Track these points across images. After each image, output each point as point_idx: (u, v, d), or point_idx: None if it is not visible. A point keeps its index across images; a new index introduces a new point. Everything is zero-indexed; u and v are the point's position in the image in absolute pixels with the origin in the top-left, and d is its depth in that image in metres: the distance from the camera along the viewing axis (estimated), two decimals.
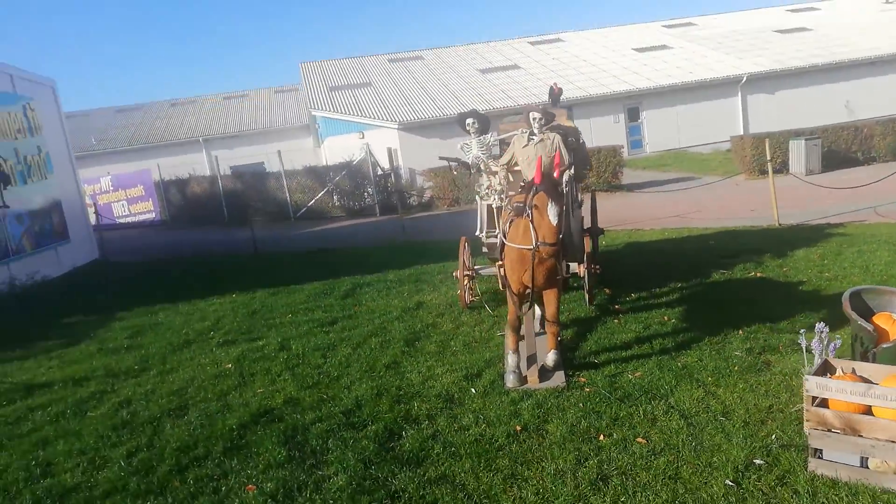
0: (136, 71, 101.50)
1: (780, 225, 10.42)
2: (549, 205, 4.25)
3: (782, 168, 18.56)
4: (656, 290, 7.22)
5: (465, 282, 7.06)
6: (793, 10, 35.73)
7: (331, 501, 3.53)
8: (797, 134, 18.24)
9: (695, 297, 6.85)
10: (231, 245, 14.47)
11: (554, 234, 4.28)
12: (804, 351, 3.86)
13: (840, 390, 3.30)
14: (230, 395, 5.13)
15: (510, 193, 6.67)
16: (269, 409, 4.76)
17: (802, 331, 3.90)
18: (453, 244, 11.53)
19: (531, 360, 5.16)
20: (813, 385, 3.39)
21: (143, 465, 4.06)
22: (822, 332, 3.76)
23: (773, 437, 3.82)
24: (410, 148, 24.85)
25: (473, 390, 4.86)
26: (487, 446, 4.00)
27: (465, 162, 7.26)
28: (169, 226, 21.28)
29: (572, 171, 6.68)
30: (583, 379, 4.89)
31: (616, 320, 6.25)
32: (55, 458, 4.26)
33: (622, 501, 3.33)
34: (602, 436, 4.02)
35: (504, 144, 7.26)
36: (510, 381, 4.89)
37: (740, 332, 5.58)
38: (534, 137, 6.58)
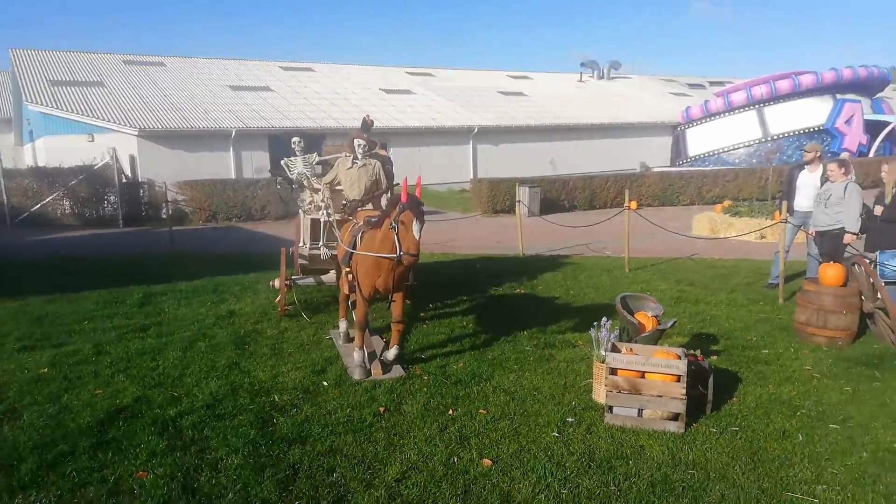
0: None
1: (524, 255, 12.50)
2: (414, 222, 5.02)
3: (510, 209, 21.74)
4: (448, 301, 8.36)
5: (284, 291, 7.38)
6: (512, 77, 41.60)
7: (234, 477, 3.80)
8: (521, 182, 21.56)
9: (480, 307, 8.13)
10: None
11: (417, 247, 5.04)
12: (594, 338, 5.21)
13: (629, 361, 4.63)
14: (64, 397, 4.85)
15: (330, 210, 7.28)
16: (121, 408, 4.67)
17: (595, 323, 5.25)
18: (238, 257, 11.56)
19: (371, 356, 5.81)
20: (611, 359, 4.68)
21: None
22: (606, 324, 5.14)
23: (574, 403, 5.05)
24: (151, 157, 23.29)
25: (325, 383, 5.36)
26: (360, 424, 4.58)
27: (289, 177, 7.64)
28: None
29: (390, 194, 7.57)
30: (418, 370, 5.70)
31: (425, 325, 7.20)
32: None
33: (486, 452, 4.21)
34: (451, 410, 4.87)
35: (326, 165, 7.83)
36: (357, 373, 5.49)
37: (524, 332, 6.92)
38: (357, 161, 7.32)
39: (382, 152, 8.04)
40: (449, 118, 31.24)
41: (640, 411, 4.66)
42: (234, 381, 5.32)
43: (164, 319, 7.15)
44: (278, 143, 28.73)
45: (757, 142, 32.53)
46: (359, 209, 7.30)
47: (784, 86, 31.95)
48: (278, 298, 7.44)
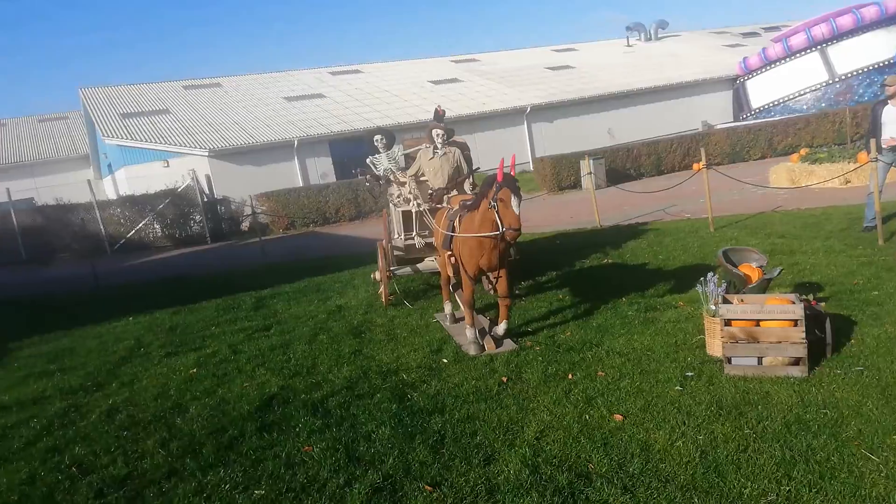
0: None
1: (601, 226, 12.54)
2: (513, 198, 5.25)
3: (575, 184, 21.68)
4: (539, 278, 8.55)
5: (387, 282, 7.75)
6: (556, 51, 41.15)
7: (389, 445, 4.13)
8: (584, 155, 21.44)
9: (571, 280, 8.29)
10: (59, 284, 13.26)
11: (518, 221, 5.27)
12: (701, 294, 5.32)
13: (743, 311, 4.74)
14: (218, 391, 5.34)
15: (419, 201, 7.60)
16: (271, 396, 5.11)
17: (701, 279, 5.35)
18: (326, 261, 12.08)
19: (482, 332, 6.09)
20: (724, 311, 4.79)
21: (184, 450, 4.25)
22: (712, 278, 5.24)
23: (689, 359, 5.18)
24: (223, 174, 24.35)
25: (445, 360, 5.67)
26: (487, 393, 4.85)
27: (377, 174, 7.99)
28: None
29: (472, 178, 7.83)
30: (528, 342, 5.94)
31: (523, 301, 7.43)
32: (82, 460, 4.23)
33: (614, 409, 4.41)
34: (570, 375, 5.09)
35: (409, 158, 8.15)
36: (472, 349, 5.78)
37: (623, 299, 7.05)
38: (437, 151, 7.60)
39: (459, 139, 8.28)
40: (500, 101, 31.24)
41: (759, 360, 4.75)
42: (363, 365, 5.70)
43: (280, 319, 7.66)
44: (339, 147, 29.48)
45: (824, 84, 31.09)
46: (445, 196, 7.60)
47: (846, 21, 30.37)
48: (381, 289, 7.82)
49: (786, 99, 31.84)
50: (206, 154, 24.35)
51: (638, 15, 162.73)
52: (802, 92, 31.42)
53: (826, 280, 6.87)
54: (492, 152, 29.91)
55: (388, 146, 8.18)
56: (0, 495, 3.87)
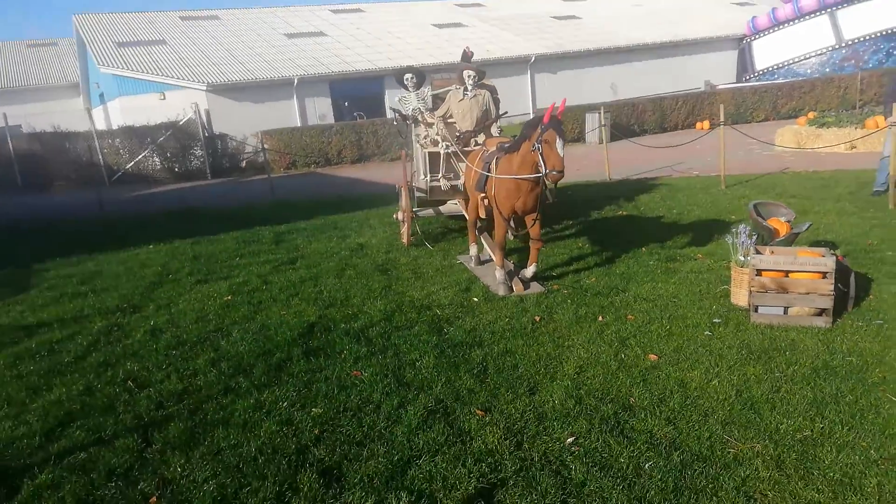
0: None
1: (611, 180, 12.62)
2: (558, 140, 5.30)
3: (579, 137, 21.64)
4: (556, 227, 8.67)
5: (410, 222, 7.82)
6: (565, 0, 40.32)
7: (435, 373, 4.30)
8: (590, 108, 21.32)
9: (589, 229, 8.42)
10: (64, 210, 13.19)
11: (562, 163, 5.34)
12: (731, 245, 5.47)
13: (776, 262, 4.90)
14: (257, 317, 5.49)
15: (448, 142, 7.61)
16: (311, 324, 5.26)
17: (732, 230, 5.49)
18: (337, 200, 12.10)
19: (510, 274, 6.23)
20: (757, 261, 4.95)
21: (234, 370, 4.41)
22: (744, 230, 5.38)
23: (714, 307, 5.36)
24: (221, 110, 23.94)
25: (476, 299, 5.82)
26: (522, 331, 5.02)
27: (405, 114, 7.97)
28: None
29: (498, 122, 7.84)
30: (555, 286, 6.10)
31: (544, 248, 7.55)
32: (136, 375, 4.37)
33: (648, 349, 4.59)
34: (600, 317, 5.26)
35: (438, 99, 8.12)
36: (502, 290, 5.92)
37: (643, 249, 7.20)
38: (468, 93, 7.58)
39: (488, 82, 8.24)
40: (505, 49, 30.72)
41: (785, 309, 4.94)
42: (395, 300, 5.83)
43: (304, 253, 7.75)
44: (339, 87, 28.96)
45: (830, 49, 30.84)
46: (473, 139, 7.62)
47: None
48: (403, 229, 7.90)
49: (790, 62, 31.63)
50: (204, 88, 23.86)
51: None
52: (808, 55, 31.20)
53: (841, 239, 7.05)
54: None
55: (418, 85, 8.13)
56: (61, 405, 4.00)
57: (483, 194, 6.25)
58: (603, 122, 14.22)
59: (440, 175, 7.70)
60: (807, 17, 31.24)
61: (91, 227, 10.77)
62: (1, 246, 9.64)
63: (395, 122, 8.43)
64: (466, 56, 9.20)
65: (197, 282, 6.68)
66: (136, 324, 5.44)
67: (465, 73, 7.60)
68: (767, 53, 32.97)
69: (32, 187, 17.63)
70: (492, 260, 6.93)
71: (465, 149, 7.56)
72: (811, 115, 16.87)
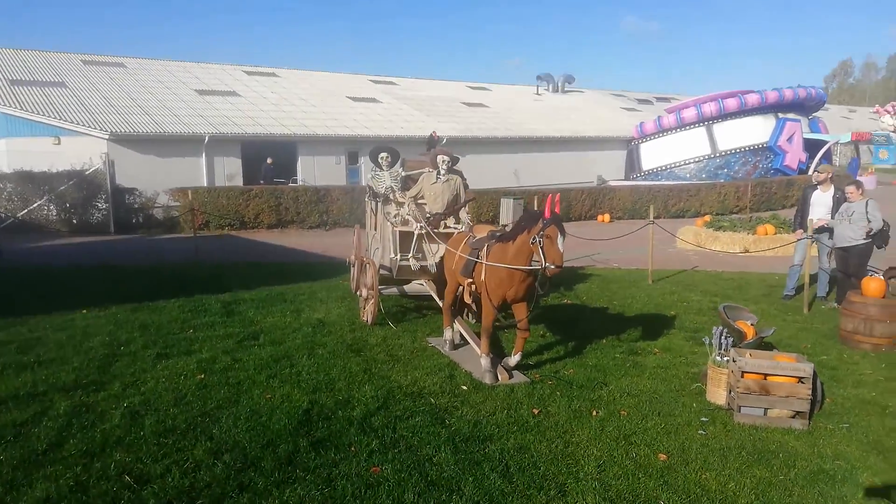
0: None
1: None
2: (559, 236, 5.49)
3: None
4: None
5: (377, 300, 7.65)
6: (472, 87, 42.45)
7: (458, 472, 4.16)
8: (505, 194, 22.19)
9: (543, 318, 8.59)
10: None
11: (561, 259, 5.51)
12: (707, 345, 5.83)
13: (759, 365, 5.25)
14: (241, 401, 5.09)
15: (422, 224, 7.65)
16: (305, 410, 4.96)
17: (713, 330, 5.84)
18: (270, 267, 11.64)
19: (493, 362, 6.21)
20: (742, 363, 5.29)
21: (241, 462, 4.08)
22: (723, 332, 5.76)
23: (694, 405, 5.63)
24: (123, 162, 22.65)
25: (464, 387, 5.75)
26: (525, 424, 5.01)
27: (376, 192, 7.95)
28: None
29: (467, 207, 8.01)
30: (537, 376, 6.16)
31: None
32: (130, 468, 3.87)
33: (654, 448, 4.71)
34: (594, 412, 5.36)
35: (410, 180, 8.18)
36: (488, 378, 5.90)
37: (603, 341, 7.47)
38: (440, 177, 7.74)
39: (456, 168, 8.44)
40: (419, 127, 31.60)
41: (765, 411, 5.27)
42: (381, 385, 5.63)
43: (262, 328, 7.33)
44: (250, 148, 28.47)
45: (706, 157, 34.28)
46: (442, 221, 7.72)
47: (731, 104, 33.81)
48: (368, 307, 7.70)
49: (672, 165, 34.79)
50: (106, 137, 22.51)
51: (545, 66, 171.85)
52: (687, 161, 34.50)
53: (776, 341, 7.67)
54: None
55: (391, 164, 8.18)
56: None
57: (470, 279, 6.29)
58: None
59: (410, 255, 7.68)
60: (687, 128, 34.72)
61: None
62: None
63: (367, 198, 8.35)
64: (433, 140, 9.45)
65: (157, 356, 6.12)
66: (107, 404, 4.87)
67: (440, 157, 7.78)
68: (653, 155, 36.11)
69: None
70: (464, 344, 6.92)
71: (435, 231, 7.63)
72: (707, 217, 18.51)
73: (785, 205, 27.52)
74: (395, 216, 7.90)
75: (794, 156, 33.48)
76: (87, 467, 3.88)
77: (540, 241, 5.52)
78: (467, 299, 6.55)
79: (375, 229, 8.93)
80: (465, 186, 8.11)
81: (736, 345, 6.07)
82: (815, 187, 10.06)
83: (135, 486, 3.69)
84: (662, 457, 4.59)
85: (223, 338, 6.85)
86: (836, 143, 35.59)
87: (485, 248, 6.14)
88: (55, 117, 23.10)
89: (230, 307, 8.25)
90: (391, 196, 7.98)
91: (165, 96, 27.93)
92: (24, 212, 16.49)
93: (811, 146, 34.25)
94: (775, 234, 16.10)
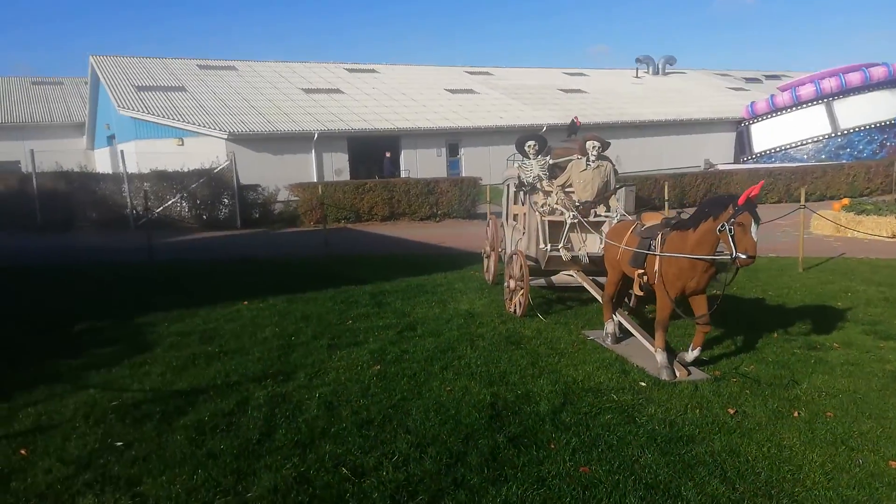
0: None
1: None
2: (753, 224, 5.11)
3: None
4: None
5: (527, 292, 7.48)
6: (568, 73, 41.51)
7: (672, 474, 3.92)
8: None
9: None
10: (98, 254, 12.59)
11: (755, 248, 5.14)
12: None
13: None
14: (423, 394, 5.05)
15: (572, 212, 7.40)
16: (490, 404, 4.87)
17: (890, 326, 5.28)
18: (395, 259, 11.75)
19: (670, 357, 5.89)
20: None
21: (446, 456, 3.97)
22: None
23: None
24: (240, 160, 23.67)
25: (643, 383, 5.47)
26: (724, 426, 4.67)
27: (524, 181, 7.78)
28: None
29: (616, 194, 7.68)
30: (717, 372, 5.79)
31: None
32: (342, 459, 3.90)
33: (879, 454, 4.27)
34: (795, 412, 4.95)
35: (557, 168, 7.96)
36: (665, 374, 5.59)
37: (773, 335, 6.95)
38: (590, 163, 7.44)
39: (605, 154, 8.13)
40: (517, 117, 31.26)
41: None
42: (557, 379, 5.46)
43: (416, 319, 7.34)
44: (356, 144, 29.05)
45: (826, 137, 31.94)
46: (593, 210, 7.44)
47: (854, 79, 31.32)
48: (517, 298, 7.55)
49: (787, 147, 32.64)
50: (225, 137, 23.66)
51: (627, 51, 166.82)
52: (805, 142, 32.26)
53: None
54: (501, 167, 30.05)
55: (538, 153, 7.98)
56: (283, 496, 3.50)
57: (641, 270, 5.99)
58: (668, 196, 14.23)
59: (560, 245, 7.45)
60: (804, 106, 32.46)
61: (154, 275, 10.25)
62: (62, 290, 9.05)
63: (512, 188, 8.18)
64: (574, 126, 9.16)
65: (329, 346, 6.22)
66: (300, 395, 4.95)
67: (590, 143, 7.50)
68: (765, 137, 34.03)
69: (51, 227, 16.95)
70: (625, 337, 6.64)
71: (586, 220, 7.37)
72: (846, 201, 17.21)
73: None
74: (542, 206, 7.68)
75: None
76: (303, 458, 3.91)
77: (730, 229, 5.14)
78: (637, 291, 6.24)
79: (516, 219, 8.76)
80: (616, 173, 7.79)
81: None
82: None
83: (353, 479, 3.68)
84: (893, 464, 4.15)
85: (383, 328, 6.88)
86: None
87: (659, 236, 5.81)
88: (178, 119, 24.46)
89: (378, 298, 8.32)
90: (538, 185, 7.76)
91: (275, 96, 28.96)
92: (160, 209, 17.49)
93: None
94: None
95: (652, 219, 6.21)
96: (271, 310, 7.65)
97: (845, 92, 31.80)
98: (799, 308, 8.09)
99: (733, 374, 5.74)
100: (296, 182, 19.61)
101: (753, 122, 34.66)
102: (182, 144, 24.37)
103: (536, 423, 4.55)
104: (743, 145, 35.27)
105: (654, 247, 5.78)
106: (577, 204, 7.47)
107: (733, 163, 34.04)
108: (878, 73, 31.28)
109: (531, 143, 7.97)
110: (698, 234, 5.43)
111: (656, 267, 5.77)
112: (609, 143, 7.64)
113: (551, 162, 8.07)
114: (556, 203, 7.54)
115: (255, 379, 5.28)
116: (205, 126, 24.12)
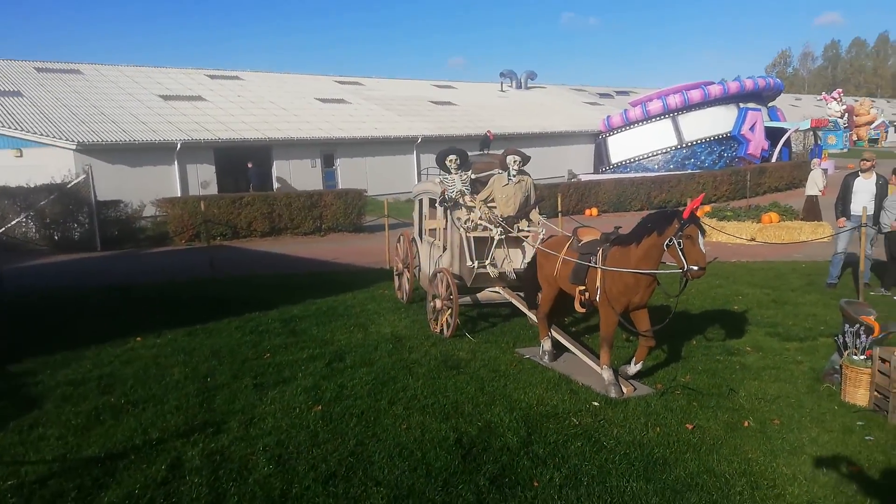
0: None
1: None
2: (700, 236, 5.15)
3: None
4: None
5: (453, 312, 7.16)
6: (438, 86, 42.00)
7: (663, 502, 3.79)
8: None
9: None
10: None
11: (705, 260, 5.17)
12: (839, 344, 5.63)
13: None
14: (377, 434, 4.56)
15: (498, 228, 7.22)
16: (457, 441, 4.51)
17: (848, 329, 5.61)
18: (291, 279, 11.00)
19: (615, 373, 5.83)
20: None
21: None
22: (859, 330, 5.54)
23: (835, 407, 5.38)
24: (95, 174, 21.39)
25: (595, 403, 5.36)
26: (689, 443, 4.65)
27: (448, 196, 7.47)
28: None
29: (537, 208, 7.62)
30: (659, 385, 5.82)
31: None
32: None
33: (843, 459, 4.42)
34: (745, 422, 5.05)
35: (478, 182, 7.72)
36: (613, 391, 5.52)
37: (692, 342, 7.18)
38: (512, 178, 7.32)
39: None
40: (392, 127, 31.06)
41: None
42: (511, 406, 5.20)
43: (339, 348, 6.75)
44: (223, 154, 27.40)
45: (673, 148, 34.71)
46: (516, 225, 7.31)
47: (695, 95, 34.34)
48: (443, 319, 7.23)
49: (641, 157, 35.10)
50: (74, 147, 21.27)
51: (482, 64, 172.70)
52: (655, 153, 34.87)
53: None
54: (382, 178, 29.70)
55: (460, 167, 7.70)
56: None
57: (583, 287, 5.90)
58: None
59: (486, 261, 7.23)
60: (653, 120, 35.08)
61: (10, 308, 8.73)
62: None
63: (438, 204, 7.85)
64: (487, 140, 9.02)
65: (255, 387, 5.50)
66: (241, 449, 4.26)
67: (511, 157, 7.38)
68: (621, 149, 36.37)
69: None
70: (560, 354, 6.54)
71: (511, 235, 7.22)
72: (708, 208, 18.60)
73: (758, 192, 28.09)
74: (465, 221, 7.43)
75: (756, 144, 34.24)
76: None
77: (679, 243, 5.16)
78: (578, 308, 6.15)
79: (431, 235, 8.45)
80: (535, 187, 7.71)
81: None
82: (856, 174, 10.03)
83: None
84: (855, 469, 4.31)
85: (308, 360, 6.25)
86: (797, 130, 36.57)
87: (600, 252, 5.75)
88: (16, 128, 21.66)
89: (290, 325, 7.62)
90: (460, 200, 7.50)
91: (128, 103, 26.62)
92: (2, 229, 15.26)
93: (771, 134, 35.09)
94: (779, 221, 16.28)
95: (588, 234, 6.16)
96: (172, 346, 6.73)
97: (688, 107, 34.73)
98: (704, 313, 8.45)
99: (674, 387, 5.79)
100: (159, 196, 18.00)
101: (610, 135, 36.88)
102: (21, 156, 21.60)
103: (511, 459, 4.26)
104: (601, 156, 37.45)
105: (597, 262, 5.72)
106: (500, 219, 7.30)
107: (593, 172, 36.04)
108: (715, 90, 34.48)
109: (452, 157, 7.72)
110: (642, 250, 5.42)
111: (598, 283, 5.70)
112: (529, 157, 7.56)
113: (473, 176, 7.86)
114: (480, 218, 7.33)
115: (180, 434, 4.52)
116: (48, 136, 21.53)
